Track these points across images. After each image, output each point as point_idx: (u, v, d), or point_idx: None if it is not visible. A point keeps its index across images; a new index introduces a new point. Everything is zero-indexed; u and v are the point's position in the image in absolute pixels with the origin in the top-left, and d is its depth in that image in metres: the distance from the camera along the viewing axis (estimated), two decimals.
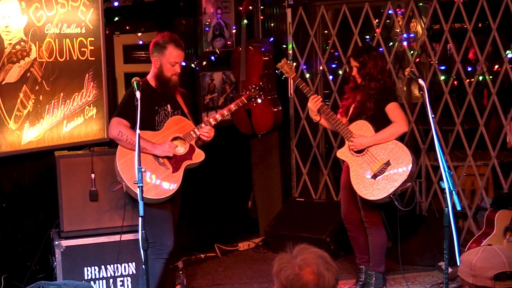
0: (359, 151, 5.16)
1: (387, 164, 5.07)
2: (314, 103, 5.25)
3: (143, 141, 4.58)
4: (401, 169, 5.04)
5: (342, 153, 5.26)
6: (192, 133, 4.78)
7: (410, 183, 5.21)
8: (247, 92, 5.06)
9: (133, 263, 5.10)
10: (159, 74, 4.76)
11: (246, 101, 5.04)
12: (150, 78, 4.82)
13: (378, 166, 5.08)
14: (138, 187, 4.09)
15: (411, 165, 5.03)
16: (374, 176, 5.08)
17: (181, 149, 4.76)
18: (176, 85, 4.82)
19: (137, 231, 4.84)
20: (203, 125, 4.81)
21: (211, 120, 4.86)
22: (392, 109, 5.16)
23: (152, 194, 4.61)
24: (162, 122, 4.77)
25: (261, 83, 5.15)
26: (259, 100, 5.11)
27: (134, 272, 5.10)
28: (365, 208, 5.24)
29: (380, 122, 5.14)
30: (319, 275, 2.34)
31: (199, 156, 4.81)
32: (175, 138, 4.77)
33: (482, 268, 2.58)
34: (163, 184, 4.67)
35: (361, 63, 5.19)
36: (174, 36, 4.85)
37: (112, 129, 4.69)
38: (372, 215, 5.27)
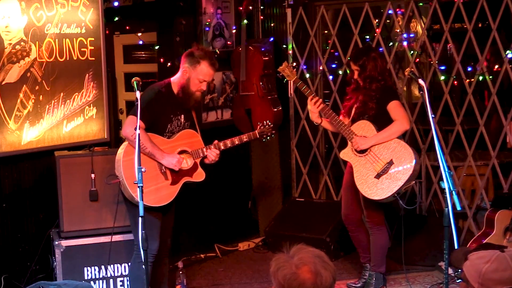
0: (362, 151, 5.16)
1: (390, 163, 5.07)
2: (313, 105, 5.24)
3: (153, 146, 4.54)
4: (404, 167, 5.04)
5: (345, 154, 5.26)
6: (200, 151, 4.75)
7: (414, 181, 5.21)
8: (261, 128, 5.03)
9: None
10: (185, 86, 4.69)
11: (258, 136, 5.01)
12: (174, 83, 4.74)
13: (381, 166, 5.08)
14: (138, 187, 4.08)
15: (414, 163, 5.03)
16: (378, 176, 5.08)
17: (185, 164, 4.73)
18: (197, 101, 4.81)
19: (128, 232, 4.88)
20: (212, 147, 4.78)
21: (221, 145, 4.83)
22: (394, 108, 5.16)
23: (146, 200, 4.55)
24: (172, 131, 4.72)
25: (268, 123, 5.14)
26: (269, 138, 5.11)
27: None
28: (368, 208, 5.24)
29: (382, 121, 5.14)
30: (316, 273, 2.34)
31: (199, 175, 4.77)
32: (182, 152, 4.73)
33: (491, 280, 2.55)
34: (157, 193, 4.62)
35: (361, 67, 5.19)
36: (210, 53, 4.80)
37: (127, 127, 4.55)
38: (375, 214, 5.27)
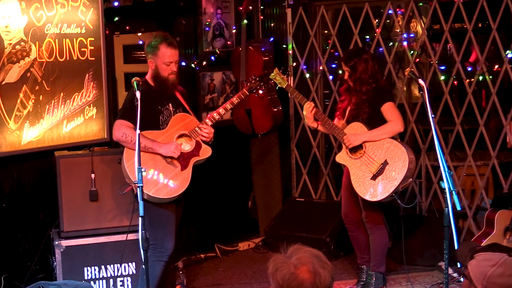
0: (356, 153, 5.16)
1: (385, 163, 5.08)
2: (309, 111, 5.24)
3: (148, 141, 4.57)
4: (399, 166, 5.05)
5: (341, 157, 5.27)
6: (197, 129, 4.77)
7: (411, 179, 5.21)
8: (248, 84, 5.06)
9: (133, 263, 5.10)
10: (156, 75, 4.73)
11: (247, 93, 5.03)
12: (148, 78, 4.79)
13: (376, 167, 5.09)
14: (138, 187, 4.09)
15: (408, 161, 5.04)
16: (374, 177, 5.08)
17: (188, 146, 4.75)
18: (174, 84, 4.80)
19: (138, 231, 4.87)
20: (207, 120, 4.80)
21: (215, 115, 4.83)
22: (388, 109, 5.16)
23: (162, 194, 4.61)
24: (166, 121, 4.75)
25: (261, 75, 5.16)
26: (261, 91, 5.10)
27: (134, 272, 5.10)
28: (366, 208, 5.24)
29: (376, 123, 5.15)
30: (315, 273, 2.34)
31: (206, 151, 4.79)
32: (180, 136, 4.76)
33: (495, 284, 2.53)
34: (172, 183, 4.66)
35: (352, 68, 5.19)
36: (166, 35, 4.80)
37: (116, 131, 4.67)
38: (374, 215, 5.27)
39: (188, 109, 4.86)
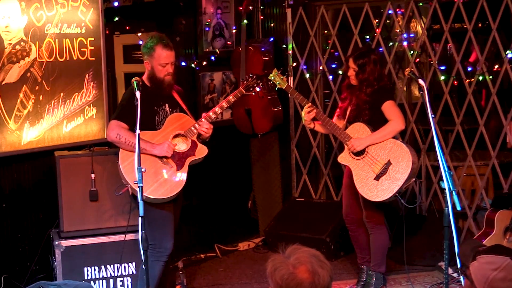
0: (359, 154, 5.16)
1: (388, 163, 5.07)
2: (308, 114, 5.24)
3: (142, 141, 4.55)
4: (402, 167, 5.04)
5: (343, 158, 5.26)
6: (193, 128, 4.77)
7: (414, 179, 5.21)
8: (245, 82, 5.05)
9: (133, 263, 5.10)
10: (152, 75, 4.73)
11: (244, 91, 5.01)
12: (145, 78, 4.78)
13: (379, 167, 5.08)
14: (138, 187, 4.09)
15: (411, 161, 5.03)
16: (377, 177, 5.07)
17: (183, 146, 4.75)
18: (170, 85, 4.79)
19: (137, 231, 4.87)
20: (203, 119, 4.80)
21: (211, 113, 4.83)
22: (388, 108, 5.15)
23: (158, 194, 4.61)
24: (162, 121, 4.75)
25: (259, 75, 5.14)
26: (258, 89, 5.09)
27: (134, 272, 5.10)
28: (367, 208, 5.24)
29: (377, 122, 5.14)
30: (314, 273, 2.34)
31: (202, 151, 4.79)
32: (176, 136, 4.76)
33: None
34: (168, 182, 4.67)
35: (360, 67, 5.17)
36: (162, 36, 4.78)
37: (110, 132, 4.67)
38: (375, 215, 5.27)
39: (185, 109, 4.86)
